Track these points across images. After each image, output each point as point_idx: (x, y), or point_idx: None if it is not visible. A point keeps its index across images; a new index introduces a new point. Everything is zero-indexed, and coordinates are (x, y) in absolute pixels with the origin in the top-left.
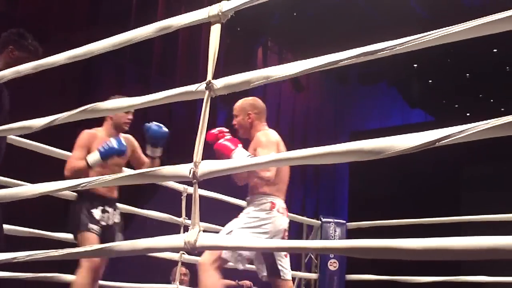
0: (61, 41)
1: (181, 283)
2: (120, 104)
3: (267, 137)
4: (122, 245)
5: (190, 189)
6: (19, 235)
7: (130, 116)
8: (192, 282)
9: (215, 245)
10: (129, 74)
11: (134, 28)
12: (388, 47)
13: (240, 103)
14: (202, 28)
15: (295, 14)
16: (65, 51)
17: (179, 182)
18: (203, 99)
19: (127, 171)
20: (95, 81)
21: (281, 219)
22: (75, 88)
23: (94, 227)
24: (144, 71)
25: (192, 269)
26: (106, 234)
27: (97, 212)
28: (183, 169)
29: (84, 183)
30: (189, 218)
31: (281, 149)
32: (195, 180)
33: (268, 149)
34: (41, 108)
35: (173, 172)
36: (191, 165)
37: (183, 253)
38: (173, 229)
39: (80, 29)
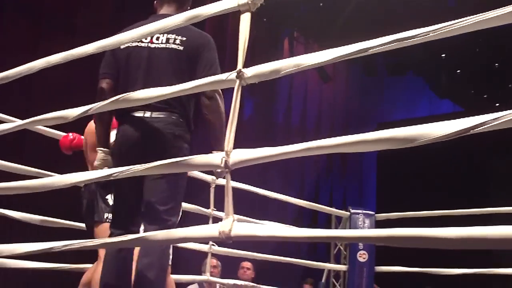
0: (88, 34)
1: (211, 275)
2: (151, 93)
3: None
4: (157, 234)
5: (218, 180)
6: (49, 225)
7: None
8: (222, 273)
9: (250, 234)
10: None
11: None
12: (421, 33)
13: None
14: (229, 18)
15: (321, 4)
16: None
17: (207, 173)
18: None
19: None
20: None
21: None
22: None
23: (111, 215)
24: None
25: (224, 260)
26: None
27: (112, 198)
28: (214, 158)
29: (115, 173)
30: (218, 209)
31: None
32: (227, 169)
33: None
34: (73, 99)
35: (205, 162)
36: (222, 154)
37: (213, 245)
38: (196, 220)
39: (105, 22)
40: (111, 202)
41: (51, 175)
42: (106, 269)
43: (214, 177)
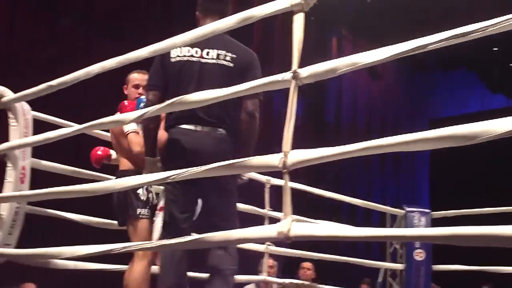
0: (137, 39)
1: (268, 274)
2: (207, 95)
3: None
4: (215, 236)
5: (273, 180)
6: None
7: (140, 91)
8: (278, 273)
9: (309, 234)
10: None
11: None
12: (479, 28)
13: None
14: (275, 20)
15: (368, 1)
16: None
17: (262, 173)
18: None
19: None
20: None
21: None
22: None
23: (144, 211)
24: None
25: (281, 261)
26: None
27: (143, 192)
28: (272, 159)
29: (174, 175)
30: (274, 209)
31: None
32: (285, 170)
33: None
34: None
35: (262, 163)
36: (280, 155)
37: (269, 245)
38: (248, 220)
39: (155, 26)
40: (143, 197)
41: (108, 178)
42: (165, 271)
43: (268, 177)
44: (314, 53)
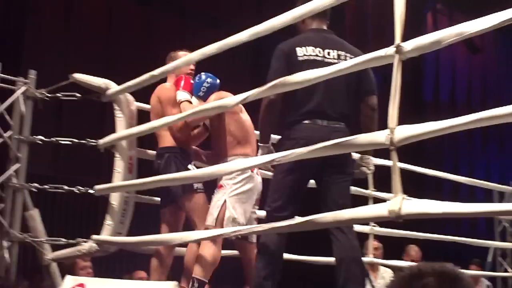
0: (231, 26)
1: (373, 256)
2: (308, 76)
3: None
4: (326, 216)
5: (374, 160)
6: None
7: (192, 67)
8: (384, 255)
9: (421, 212)
10: None
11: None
12: None
13: None
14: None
15: None
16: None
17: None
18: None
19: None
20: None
21: (259, 179)
22: (246, 71)
23: (200, 185)
24: None
25: (387, 241)
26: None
27: (193, 168)
28: (378, 136)
29: (279, 157)
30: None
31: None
32: (392, 147)
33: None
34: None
35: (368, 140)
36: (386, 131)
37: (374, 226)
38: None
39: (248, 13)
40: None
41: None
42: (265, 252)
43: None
44: (410, 30)
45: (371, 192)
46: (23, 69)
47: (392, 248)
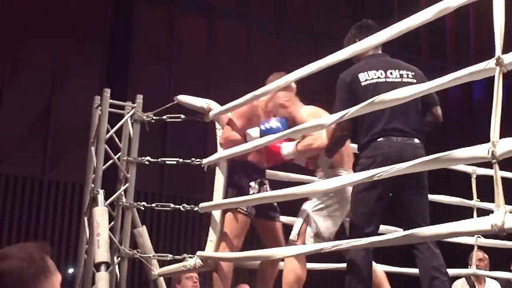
0: (327, 38)
1: (478, 267)
2: (405, 93)
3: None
4: (425, 230)
5: (479, 170)
6: None
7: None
8: (490, 266)
9: None
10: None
11: (397, 19)
12: None
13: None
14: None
15: None
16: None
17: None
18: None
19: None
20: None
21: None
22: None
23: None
24: (412, 56)
25: (491, 253)
26: (260, 212)
27: (254, 186)
28: (480, 150)
29: (379, 173)
30: (481, 200)
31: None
32: (494, 160)
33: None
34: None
35: (469, 155)
36: (488, 145)
37: (479, 237)
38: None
39: (344, 25)
40: (253, 191)
41: (312, 181)
42: (356, 268)
43: (474, 168)
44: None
45: (475, 203)
46: (129, 94)
47: (501, 259)
